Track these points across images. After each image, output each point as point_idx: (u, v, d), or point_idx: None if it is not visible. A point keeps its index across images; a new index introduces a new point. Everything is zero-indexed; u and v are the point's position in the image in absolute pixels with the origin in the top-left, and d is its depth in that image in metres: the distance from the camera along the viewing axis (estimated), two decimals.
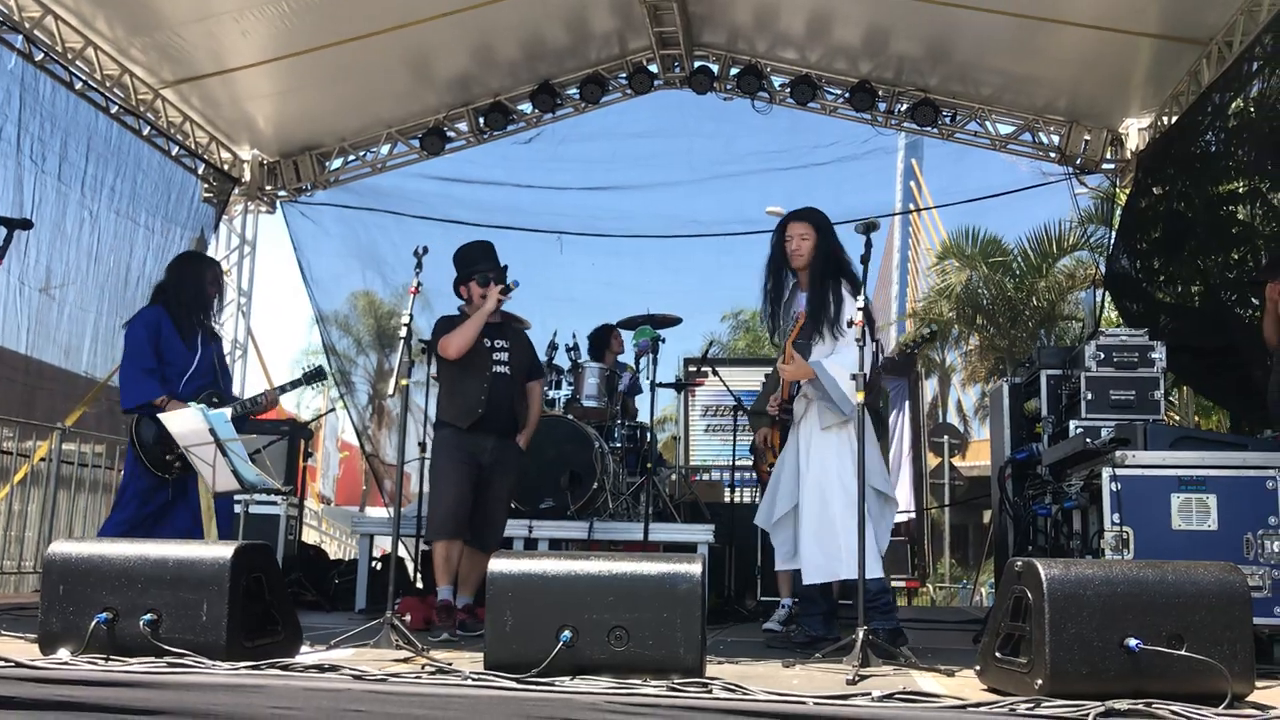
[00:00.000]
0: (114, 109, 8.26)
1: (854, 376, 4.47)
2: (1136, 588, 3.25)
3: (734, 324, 21.11)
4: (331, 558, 9.45)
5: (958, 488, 15.86)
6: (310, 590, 7.41)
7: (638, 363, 7.98)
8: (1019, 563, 3.46)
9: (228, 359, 9.66)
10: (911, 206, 20.95)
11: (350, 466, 29.46)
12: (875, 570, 4.93)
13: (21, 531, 7.71)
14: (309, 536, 13.68)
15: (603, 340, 8.18)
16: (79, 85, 7.86)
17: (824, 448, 5.11)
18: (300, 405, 25.80)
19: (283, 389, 6.21)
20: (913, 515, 12.33)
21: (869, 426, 5.07)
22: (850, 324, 4.61)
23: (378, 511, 14.05)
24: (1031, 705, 2.95)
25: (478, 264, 5.77)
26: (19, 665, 3.23)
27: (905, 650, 4.43)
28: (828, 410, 5.09)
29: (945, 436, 16.25)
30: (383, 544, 7.44)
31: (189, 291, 5.78)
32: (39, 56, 7.43)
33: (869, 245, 4.72)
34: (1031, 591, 3.29)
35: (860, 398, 4.43)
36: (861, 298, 4.61)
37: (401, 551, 7.74)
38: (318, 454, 23.17)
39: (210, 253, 9.77)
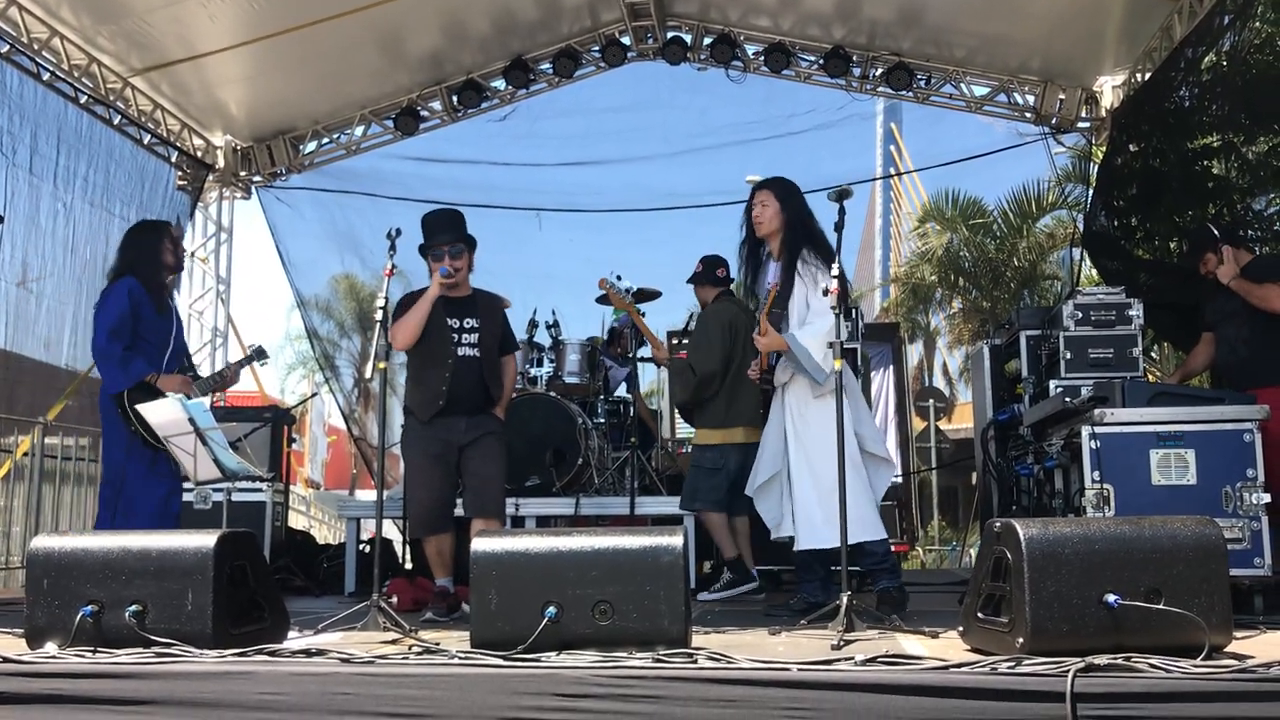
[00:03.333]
0: (83, 99, 8.18)
1: (830, 345, 4.47)
2: (1114, 544, 3.28)
3: None
4: (321, 542, 9.46)
5: (944, 450, 15.93)
6: (299, 575, 7.41)
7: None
8: (998, 523, 3.49)
9: (210, 345, 9.74)
10: (892, 171, 20.94)
11: (338, 450, 29.45)
12: (880, 532, 5.05)
13: (8, 527, 7.71)
14: (298, 522, 13.70)
15: (613, 343, 8.22)
16: (46, 76, 7.78)
17: (820, 415, 5.00)
18: (284, 391, 25.75)
19: (240, 364, 6.22)
20: (900, 479, 12.39)
21: (859, 391, 5.13)
22: (826, 292, 4.62)
23: (368, 494, 14.06)
24: (1013, 664, 2.98)
25: (435, 236, 5.48)
26: (6, 660, 3.24)
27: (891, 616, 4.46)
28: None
29: (930, 400, 16.29)
30: (371, 527, 7.45)
31: (155, 261, 5.68)
32: (4, 48, 7.34)
33: (843, 213, 4.73)
34: (1011, 551, 3.32)
35: (837, 365, 4.44)
36: (836, 265, 4.61)
37: (392, 533, 7.76)
38: (304, 439, 23.13)
39: (187, 241, 9.73)
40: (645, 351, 7.72)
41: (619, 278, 6.73)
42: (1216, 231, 6.08)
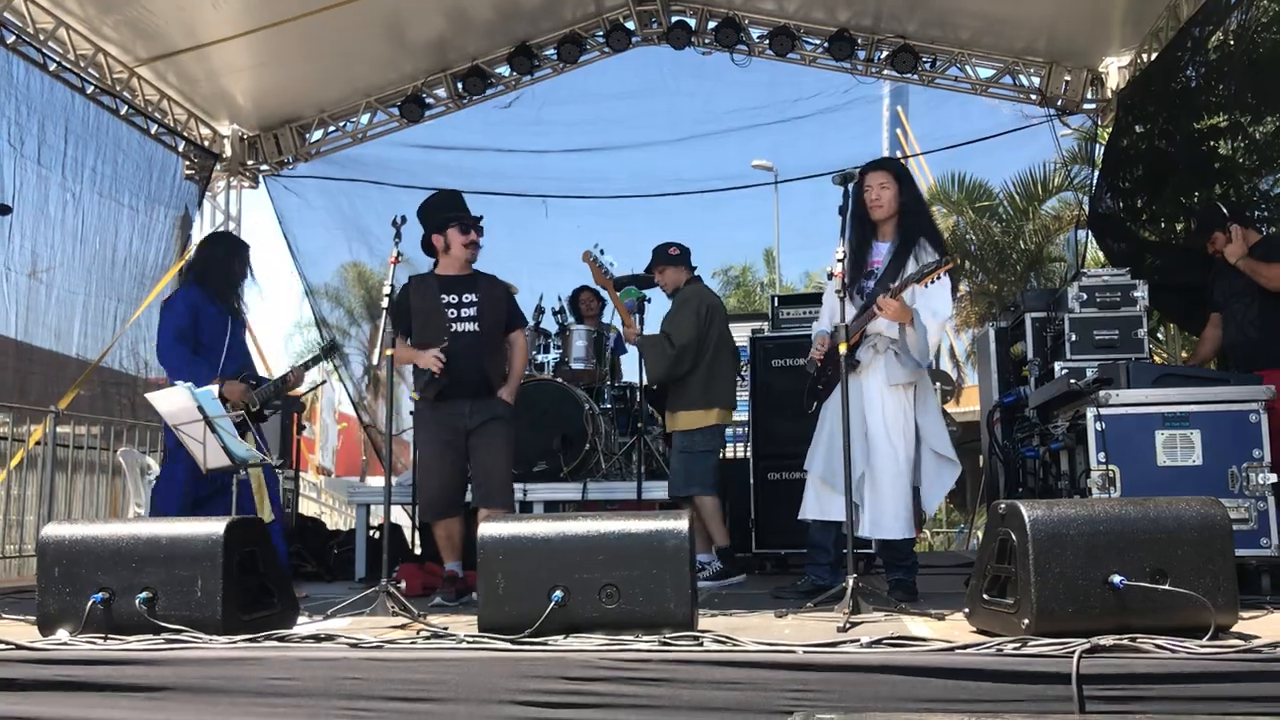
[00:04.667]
0: (90, 89, 8.20)
1: (836, 328, 4.46)
2: (1119, 525, 3.27)
3: (723, 280, 21.11)
4: (332, 529, 9.50)
5: (952, 433, 15.87)
6: (310, 561, 7.46)
7: None
8: (1003, 505, 3.49)
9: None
10: (898, 154, 20.83)
11: (349, 438, 29.40)
12: (912, 530, 5.06)
13: (21, 516, 7.74)
14: (309, 509, 13.74)
15: (574, 303, 8.20)
16: (53, 67, 7.80)
17: (893, 405, 5.03)
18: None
19: (306, 366, 6.27)
20: None
21: (933, 391, 5.16)
22: (830, 275, 4.60)
23: (378, 481, 14.08)
24: (1018, 645, 2.99)
25: (455, 210, 5.52)
26: (19, 647, 3.28)
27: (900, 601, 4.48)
28: (898, 366, 5.01)
29: (938, 383, 16.23)
30: (381, 513, 7.48)
31: (223, 272, 5.92)
32: (10, 39, 7.36)
33: (847, 196, 4.72)
34: (1016, 533, 3.32)
35: (843, 349, 4.43)
36: (841, 249, 4.56)
37: (401, 519, 7.79)
38: (315, 426, 23.16)
39: (195, 229, 9.77)
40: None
41: (602, 251, 6.62)
42: (1225, 210, 6.06)
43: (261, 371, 6.45)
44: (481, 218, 5.60)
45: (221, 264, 5.97)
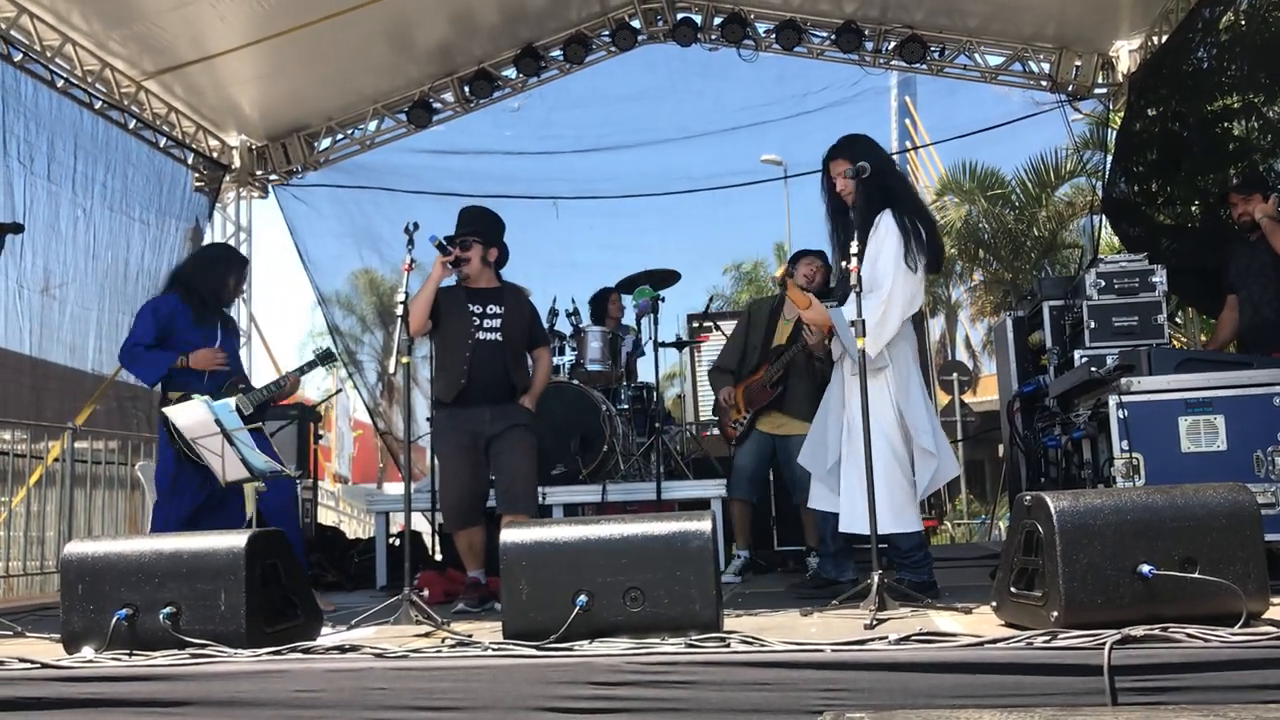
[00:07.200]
0: (98, 104, 8.21)
1: (853, 323, 4.33)
2: (1146, 514, 3.24)
3: (735, 276, 21.10)
4: (351, 537, 9.51)
5: (969, 424, 15.86)
6: (330, 571, 7.45)
7: (639, 323, 7.97)
8: (1028, 497, 3.46)
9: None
10: (908, 145, 20.80)
11: (365, 445, 29.52)
12: (914, 524, 4.84)
13: (41, 532, 7.76)
14: (327, 517, 13.77)
15: (601, 304, 8.18)
16: (60, 83, 7.81)
17: (873, 393, 4.70)
18: (306, 387, 25.82)
19: (301, 371, 6.20)
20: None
21: (918, 379, 4.95)
22: (845, 272, 4.50)
23: (395, 488, 14.09)
24: (1048, 638, 2.96)
25: (456, 230, 5.50)
26: (45, 666, 3.28)
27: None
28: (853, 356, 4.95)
29: (954, 374, 16.21)
30: (400, 520, 7.47)
31: (209, 285, 5.79)
32: (18, 57, 7.37)
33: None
34: (1042, 525, 3.29)
35: (861, 344, 4.36)
36: (854, 243, 4.44)
37: (421, 525, 7.79)
38: (331, 435, 23.22)
39: (206, 241, 9.77)
40: (667, 335, 7.67)
41: (791, 274, 6.25)
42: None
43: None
44: (476, 235, 5.48)
45: (209, 274, 5.84)
